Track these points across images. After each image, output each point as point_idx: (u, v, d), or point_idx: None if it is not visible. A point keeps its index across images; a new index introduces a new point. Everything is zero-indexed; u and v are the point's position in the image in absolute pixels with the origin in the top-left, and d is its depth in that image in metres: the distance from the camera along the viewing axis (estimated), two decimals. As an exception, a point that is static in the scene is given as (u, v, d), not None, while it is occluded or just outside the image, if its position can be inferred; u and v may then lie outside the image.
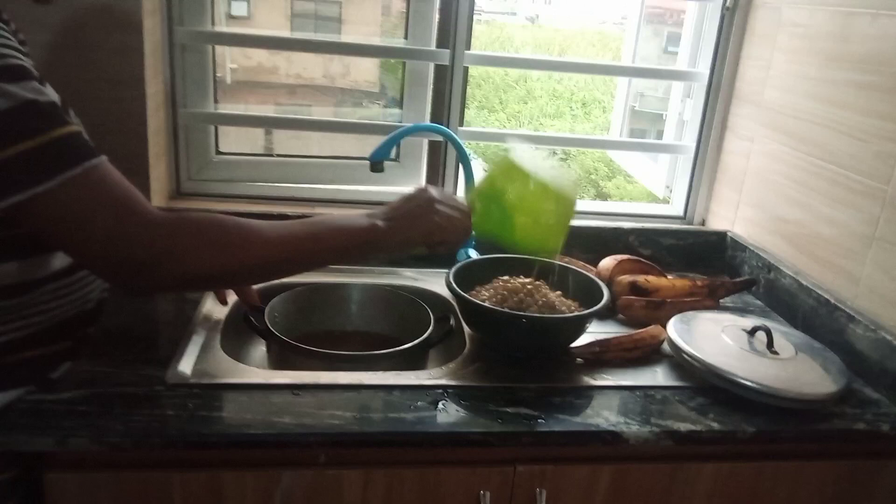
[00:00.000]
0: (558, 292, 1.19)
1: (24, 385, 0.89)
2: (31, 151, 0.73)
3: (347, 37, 1.71)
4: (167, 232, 0.79)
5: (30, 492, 0.88)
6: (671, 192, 1.72)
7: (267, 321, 1.11)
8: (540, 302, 1.13)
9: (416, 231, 0.96)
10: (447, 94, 1.50)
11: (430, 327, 1.15)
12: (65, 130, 0.76)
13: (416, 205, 0.97)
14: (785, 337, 1.15)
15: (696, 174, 1.64)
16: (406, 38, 1.55)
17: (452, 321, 1.17)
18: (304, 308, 1.25)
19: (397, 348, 1.08)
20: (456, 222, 0.98)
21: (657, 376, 1.10)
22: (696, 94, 1.64)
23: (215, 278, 0.89)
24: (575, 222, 1.54)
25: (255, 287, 1.17)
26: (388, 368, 1.05)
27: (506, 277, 1.21)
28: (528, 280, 1.19)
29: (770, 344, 1.10)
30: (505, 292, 1.15)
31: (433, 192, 0.99)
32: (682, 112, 1.69)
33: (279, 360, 1.11)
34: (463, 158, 1.38)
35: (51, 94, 0.79)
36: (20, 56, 0.76)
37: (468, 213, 1.01)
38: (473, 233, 1.02)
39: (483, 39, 7.92)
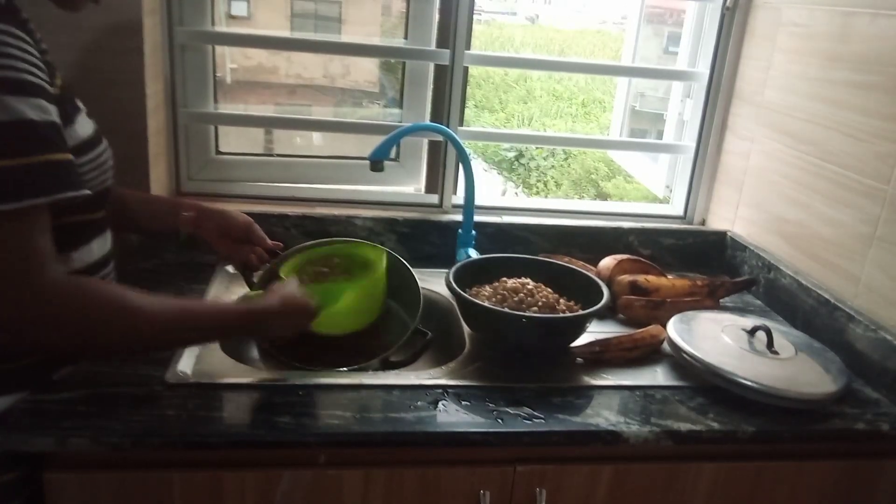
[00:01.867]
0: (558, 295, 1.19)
1: (24, 389, 0.88)
2: (9, 170, 0.72)
3: (347, 37, 1.71)
4: (52, 298, 0.75)
5: (32, 493, 0.88)
6: (671, 192, 1.72)
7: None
8: (540, 302, 1.13)
9: (279, 332, 1.00)
10: (447, 94, 1.50)
11: (404, 337, 1.14)
12: (52, 157, 0.75)
13: (286, 316, 0.97)
14: (785, 337, 1.15)
15: (696, 174, 1.64)
16: (406, 38, 1.55)
17: (430, 335, 1.17)
18: None
19: (365, 363, 1.09)
20: (304, 324, 1.01)
21: (657, 376, 1.10)
22: (696, 94, 1.64)
23: (85, 348, 0.88)
24: (575, 222, 1.56)
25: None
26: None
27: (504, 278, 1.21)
28: (527, 280, 1.19)
29: (770, 344, 1.10)
30: (505, 292, 1.15)
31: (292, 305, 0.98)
32: (682, 112, 1.69)
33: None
34: (463, 158, 1.38)
35: (53, 113, 0.78)
36: (35, 72, 0.76)
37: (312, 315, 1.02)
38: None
39: (483, 39, 7.92)
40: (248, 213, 1.19)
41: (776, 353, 1.09)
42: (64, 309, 0.75)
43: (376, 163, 1.29)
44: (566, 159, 6.95)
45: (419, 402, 0.96)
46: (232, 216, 1.16)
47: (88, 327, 0.77)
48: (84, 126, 0.90)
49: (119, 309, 0.79)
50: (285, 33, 1.65)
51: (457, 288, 1.12)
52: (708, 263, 1.57)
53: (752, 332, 1.14)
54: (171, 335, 0.86)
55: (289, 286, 0.99)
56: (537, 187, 6.76)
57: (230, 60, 1.64)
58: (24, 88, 0.74)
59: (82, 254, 0.92)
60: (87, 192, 0.80)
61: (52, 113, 0.77)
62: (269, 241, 1.18)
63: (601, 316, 1.22)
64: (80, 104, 0.93)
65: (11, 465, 0.86)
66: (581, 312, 1.13)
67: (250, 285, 1.18)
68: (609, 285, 1.23)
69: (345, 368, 1.07)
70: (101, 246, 0.97)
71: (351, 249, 1.24)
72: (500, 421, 0.93)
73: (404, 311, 1.23)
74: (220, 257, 1.18)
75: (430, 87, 1.55)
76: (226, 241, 1.15)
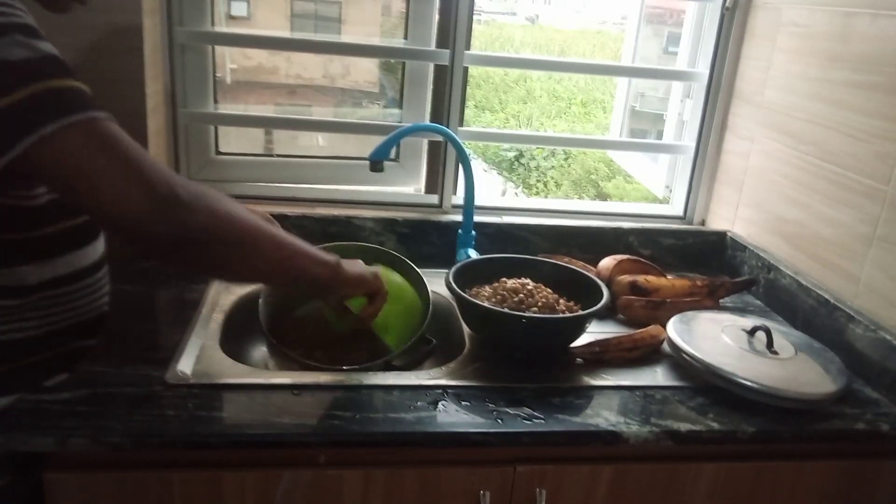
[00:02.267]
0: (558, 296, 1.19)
1: (18, 391, 0.88)
2: (44, 94, 0.73)
3: (347, 37, 1.71)
4: (179, 189, 0.76)
5: (31, 497, 0.88)
6: (671, 192, 1.72)
7: (260, 309, 1.12)
8: (540, 302, 1.13)
9: (357, 282, 1.01)
10: (447, 94, 1.50)
11: (408, 343, 1.13)
12: (79, 84, 0.77)
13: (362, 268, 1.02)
14: (785, 337, 1.15)
15: (695, 174, 1.64)
16: (406, 38, 1.55)
17: (434, 342, 1.17)
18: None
19: (364, 364, 1.09)
20: (378, 288, 1.05)
21: (657, 376, 1.10)
22: (695, 94, 1.64)
23: (208, 244, 0.82)
24: (575, 222, 1.56)
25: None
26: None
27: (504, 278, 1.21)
28: (527, 280, 1.19)
29: (770, 344, 1.10)
30: (505, 292, 1.15)
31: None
32: (682, 112, 1.69)
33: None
34: (463, 158, 1.38)
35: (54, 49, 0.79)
36: (30, 19, 0.77)
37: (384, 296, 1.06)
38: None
39: (483, 39, 7.93)
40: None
41: (776, 353, 1.09)
42: (194, 199, 0.76)
43: (376, 163, 1.29)
44: (566, 159, 6.95)
45: (419, 403, 0.96)
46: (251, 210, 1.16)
47: (214, 222, 0.78)
48: None
49: (245, 220, 0.81)
50: (285, 33, 1.65)
51: (457, 288, 1.12)
52: (708, 263, 1.57)
53: (751, 332, 1.14)
54: (276, 257, 0.86)
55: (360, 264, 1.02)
56: (537, 187, 6.76)
57: (230, 60, 1.64)
58: (35, 32, 0.75)
59: (76, 258, 0.92)
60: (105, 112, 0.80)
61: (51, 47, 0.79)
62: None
63: (601, 316, 1.22)
64: None
65: (9, 467, 0.86)
66: (581, 313, 1.13)
67: None
68: (609, 285, 1.23)
69: (346, 367, 1.07)
70: (94, 249, 0.96)
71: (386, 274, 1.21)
72: (500, 421, 0.93)
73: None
74: None
75: (430, 87, 1.55)
76: None
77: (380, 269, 1.09)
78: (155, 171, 0.75)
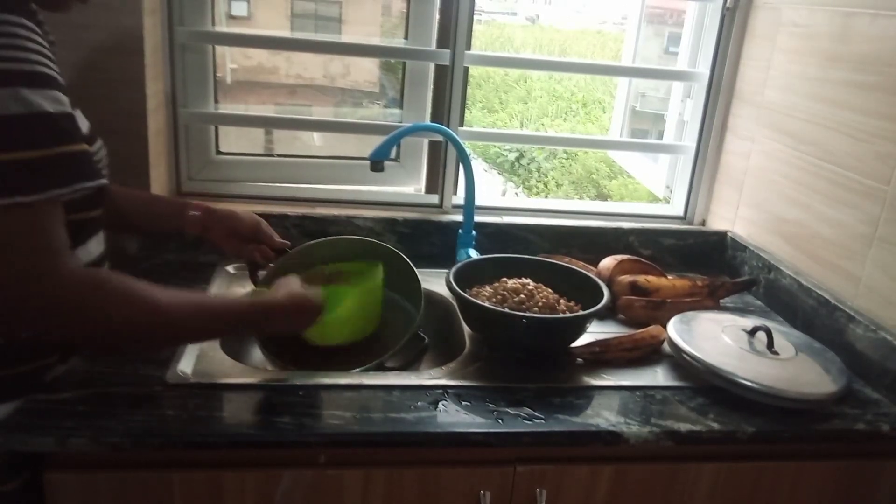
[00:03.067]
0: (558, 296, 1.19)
1: (20, 396, 0.88)
2: (30, 161, 0.72)
3: (347, 37, 1.71)
4: (72, 287, 0.74)
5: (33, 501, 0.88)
6: (671, 192, 1.72)
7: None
8: (540, 303, 1.13)
9: (286, 327, 1.00)
10: (447, 94, 1.50)
11: (400, 343, 1.12)
12: (68, 149, 0.76)
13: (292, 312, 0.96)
14: (785, 337, 1.15)
15: (696, 174, 1.64)
16: (406, 38, 1.55)
17: (427, 340, 1.17)
18: None
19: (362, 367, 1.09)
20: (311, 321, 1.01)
21: (657, 376, 1.10)
22: (696, 94, 1.64)
23: (103, 340, 0.83)
24: (575, 222, 1.55)
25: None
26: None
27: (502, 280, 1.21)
28: (528, 280, 1.19)
29: (770, 344, 1.10)
30: (505, 292, 1.15)
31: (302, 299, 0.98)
32: (683, 112, 1.69)
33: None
34: (463, 158, 1.38)
35: (67, 103, 0.78)
36: (48, 63, 0.76)
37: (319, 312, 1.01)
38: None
39: (483, 39, 7.93)
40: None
41: (776, 353, 1.09)
42: (83, 300, 0.75)
43: (376, 163, 1.29)
44: (567, 160, 6.95)
45: (419, 403, 0.96)
46: (239, 217, 1.15)
47: (106, 319, 0.76)
48: (83, 121, 0.90)
49: (137, 301, 0.78)
50: (285, 33, 1.65)
51: (457, 288, 1.12)
52: (708, 264, 1.57)
53: (752, 332, 1.14)
54: (184, 329, 0.86)
55: (293, 282, 0.98)
56: (538, 188, 6.77)
57: (230, 60, 1.64)
58: (39, 80, 0.74)
59: (80, 253, 0.92)
60: (105, 181, 0.80)
61: (67, 104, 0.78)
62: (278, 240, 1.18)
63: (601, 316, 1.22)
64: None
65: (12, 473, 0.87)
66: (581, 313, 1.13)
67: (255, 283, 1.18)
68: (609, 286, 1.23)
69: (339, 373, 1.07)
70: (97, 245, 0.97)
71: (345, 267, 1.23)
72: (500, 421, 0.93)
73: (405, 311, 1.23)
74: (226, 255, 1.18)
75: (431, 87, 1.55)
76: (233, 241, 1.15)
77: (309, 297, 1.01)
78: (39, 279, 0.73)
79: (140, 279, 0.81)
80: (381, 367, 1.09)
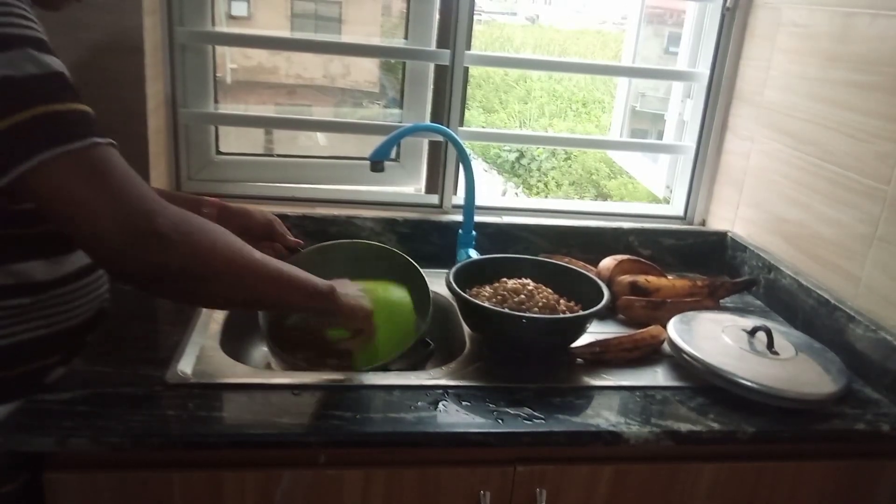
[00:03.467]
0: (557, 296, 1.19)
1: (20, 397, 0.88)
2: (45, 117, 0.73)
3: (347, 37, 1.71)
4: (164, 220, 0.76)
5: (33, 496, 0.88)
6: (671, 192, 1.72)
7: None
8: (540, 303, 1.13)
9: (350, 310, 0.99)
10: (447, 94, 1.50)
11: (405, 347, 1.11)
12: (82, 107, 0.77)
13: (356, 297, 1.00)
14: (785, 337, 1.15)
15: (696, 174, 1.64)
16: (406, 38, 1.55)
17: (432, 346, 1.16)
18: None
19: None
20: (367, 316, 1.02)
21: (657, 376, 1.10)
22: (696, 94, 1.64)
23: (189, 278, 0.82)
24: (575, 222, 1.56)
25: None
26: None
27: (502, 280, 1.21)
28: (528, 280, 1.19)
29: (770, 344, 1.10)
30: (505, 292, 1.15)
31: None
32: (683, 112, 1.69)
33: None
34: (463, 158, 1.38)
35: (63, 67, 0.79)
36: (43, 33, 0.77)
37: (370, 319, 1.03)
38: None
39: (483, 39, 7.93)
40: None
41: (776, 353, 1.09)
42: (175, 232, 0.76)
43: (376, 163, 1.29)
44: (567, 160, 6.95)
45: (419, 403, 0.96)
46: (252, 215, 1.15)
47: (194, 256, 0.78)
48: None
49: (236, 246, 0.81)
50: (285, 33, 1.65)
51: (457, 288, 1.12)
52: (708, 264, 1.57)
53: (752, 332, 1.14)
54: (268, 286, 0.86)
55: (360, 293, 1.01)
56: (538, 188, 6.77)
57: (230, 60, 1.64)
58: (45, 46, 0.76)
59: (77, 254, 0.92)
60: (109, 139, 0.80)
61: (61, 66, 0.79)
62: (291, 238, 1.18)
63: (601, 316, 1.22)
64: None
65: (12, 474, 0.87)
66: (581, 313, 1.13)
67: None
68: (609, 286, 1.23)
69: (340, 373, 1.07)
70: None
71: (371, 286, 1.16)
72: (500, 421, 0.93)
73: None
74: None
75: (431, 87, 1.55)
76: (245, 239, 1.14)
77: (370, 307, 1.03)
78: (140, 203, 0.75)
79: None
80: (386, 370, 1.09)
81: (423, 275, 1.20)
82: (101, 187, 0.74)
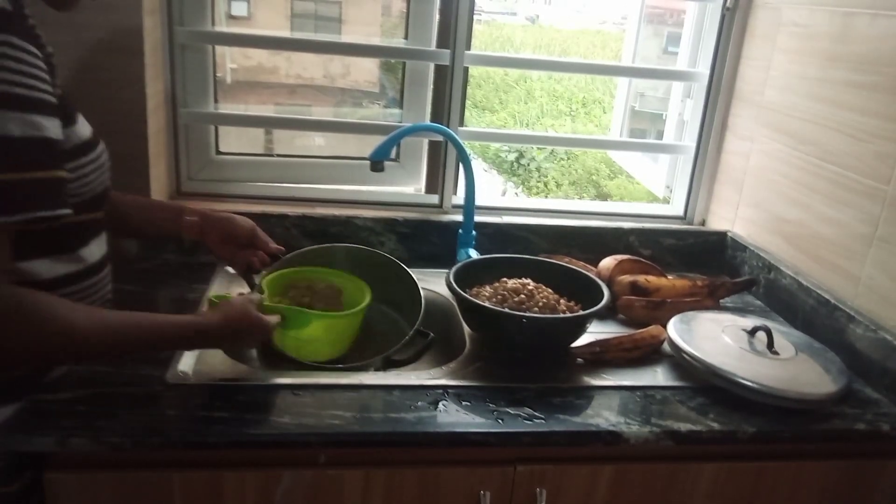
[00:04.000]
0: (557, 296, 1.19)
1: (20, 399, 0.88)
2: None
3: (347, 37, 1.71)
4: None
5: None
6: (671, 192, 1.72)
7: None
8: (541, 303, 1.13)
9: (231, 346, 1.01)
10: (447, 94, 1.50)
11: (405, 338, 1.13)
12: (8, 177, 0.73)
13: (235, 333, 0.94)
14: (785, 337, 1.15)
15: (696, 174, 1.64)
16: (406, 38, 1.55)
17: (431, 335, 1.17)
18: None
19: (363, 362, 1.10)
20: (260, 340, 1.00)
21: (657, 376, 1.10)
22: (696, 94, 1.64)
23: (20, 358, 0.82)
24: (575, 222, 1.55)
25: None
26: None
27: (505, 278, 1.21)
28: (528, 280, 1.19)
29: (770, 344, 1.10)
30: (505, 292, 1.15)
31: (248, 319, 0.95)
32: (683, 112, 1.69)
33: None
34: (463, 158, 1.38)
35: (47, 128, 0.77)
36: (33, 84, 0.75)
37: (271, 331, 0.99)
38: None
39: (483, 39, 7.93)
40: (248, 214, 1.20)
41: (776, 353, 1.09)
42: (3, 320, 0.74)
43: (376, 163, 1.29)
44: (566, 160, 6.95)
45: (419, 402, 0.96)
46: (236, 222, 1.14)
47: (23, 338, 0.76)
48: (84, 126, 0.90)
49: (53, 322, 0.77)
50: (285, 33, 1.65)
51: (457, 288, 1.12)
52: (708, 263, 1.57)
53: (752, 332, 1.14)
54: (104, 347, 0.83)
55: (237, 302, 0.94)
56: (537, 188, 6.77)
57: (230, 60, 1.64)
58: (12, 103, 0.73)
59: (83, 253, 0.93)
60: (66, 211, 0.78)
61: (45, 128, 0.76)
62: (273, 245, 1.18)
63: (601, 316, 1.22)
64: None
65: (14, 474, 0.87)
66: (581, 313, 1.13)
67: (251, 286, 1.18)
68: (609, 286, 1.23)
69: (341, 367, 1.07)
70: (99, 247, 0.97)
71: (336, 279, 1.21)
72: (500, 421, 0.93)
73: (405, 315, 1.23)
74: (222, 260, 1.18)
75: (431, 87, 1.55)
76: (228, 247, 1.15)
77: (257, 299, 1.00)
78: None
79: (65, 300, 0.81)
80: (389, 360, 1.11)
81: (407, 270, 1.20)
82: None
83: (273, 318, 0.97)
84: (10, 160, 0.73)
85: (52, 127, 0.77)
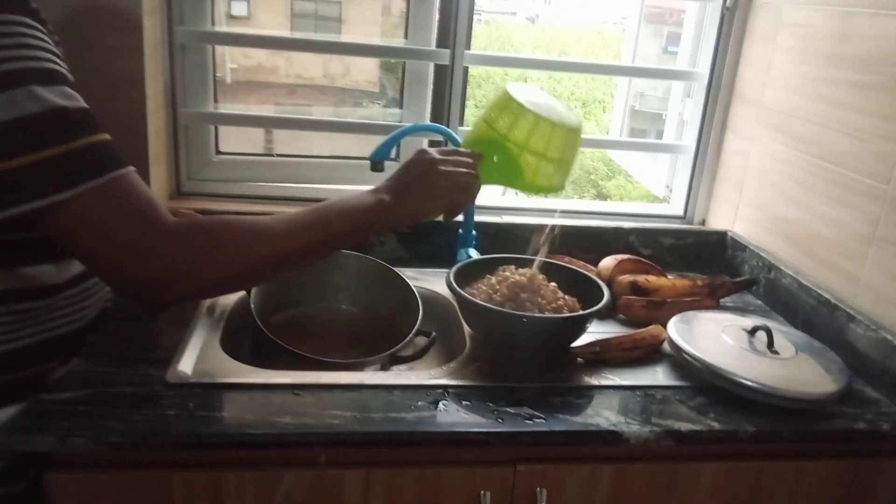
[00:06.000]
0: (554, 283, 1.18)
1: (22, 400, 0.88)
2: (56, 158, 0.72)
3: (347, 37, 1.71)
4: (181, 244, 0.77)
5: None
6: (671, 191, 1.72)
7: (252, 306, 1.11)
8: (541, 302, 1.13)
9: (424, 200, 0.92)
10: (447, 94, 1.50)
11: (408, 337, 1.14)
12: (93, 139, 0.75)
13: (420, 172, 0.92)
14: (785, 337, 1.15)
15: (696, 174, 1.64)
16: (406, 38, 1.55)
17: (433, 334, 1.17)
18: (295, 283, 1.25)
19: (367, 358, 1.10)
20: (462, 181, 0.93)
21: (657, 376, 1.10)
22: (696, 93, 1.64)
23: (231, 283, 0.86)
24: (575, 222, 1.55)
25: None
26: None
27: (503, 268, 1.20)
28: (528, 272, 1.18)
29: (770, 344, 1.10)
30: (506, 290, 1.15)
31: (434, 154, 0.94)
32: (682, 112, 1.69)
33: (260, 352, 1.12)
34: (463, 158, 1.38)
35: (80, 98, 0.78)
36: (56, 60, 0.76)
37: (474, 165, 0.95)
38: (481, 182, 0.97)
39: (483, 39, 7.92)
40: (249, 214, 1.19)
41: (776, 352, 1.09)
42: (188, 246, 0.77)
43: (377, 163, 1.29)
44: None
45: (420, 402, 0.96)
46: None
47: (217, 256, 0.78)
48: None
49: (247, 233, 0.81)
50: (285, 33, 1.65)
51: (457, 288, 1.12)
52: (708, 263, 1.57)
53: (752, 331, 1.14)
54: (304, 242, 0.85)
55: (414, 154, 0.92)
56: (537, 187, 6.76)
57: (230, 60, 1.64)
58: (50, 77, 0.74)
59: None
60: (133, 168, 0.79)
61: (80, 99, 0.77)
62: None
63: (601, 316, 1.22)
64: None
65: (17, 475, 0.87)
66: (581, 313, 1.13)
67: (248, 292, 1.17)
68: (609, 285, 1.23)
69: (345, 361, 1.07)
70: None
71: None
72: (500, 421, 0.93)
73: (405, 318, 1.23)
74: None
75: (431, 86, 1.55)
76: None
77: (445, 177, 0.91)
78: (161, 225, 0.76)
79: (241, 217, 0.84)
80: (394, 356, 1.11)
81: (397, 272, 1.21)
82: (127, 221, 0.74)
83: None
84: (69, 129, 0.74)
85: (80, 98, 0.78)
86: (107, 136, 0.77)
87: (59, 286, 0.89)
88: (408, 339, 1.13)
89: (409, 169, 0.94)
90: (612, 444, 0.94)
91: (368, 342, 1.19)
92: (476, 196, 0.97)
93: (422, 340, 1.18)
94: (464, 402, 0.97)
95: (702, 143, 1.61)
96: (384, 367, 1.12)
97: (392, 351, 1.10)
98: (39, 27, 0.76)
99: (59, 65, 0.76)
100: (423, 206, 0.92)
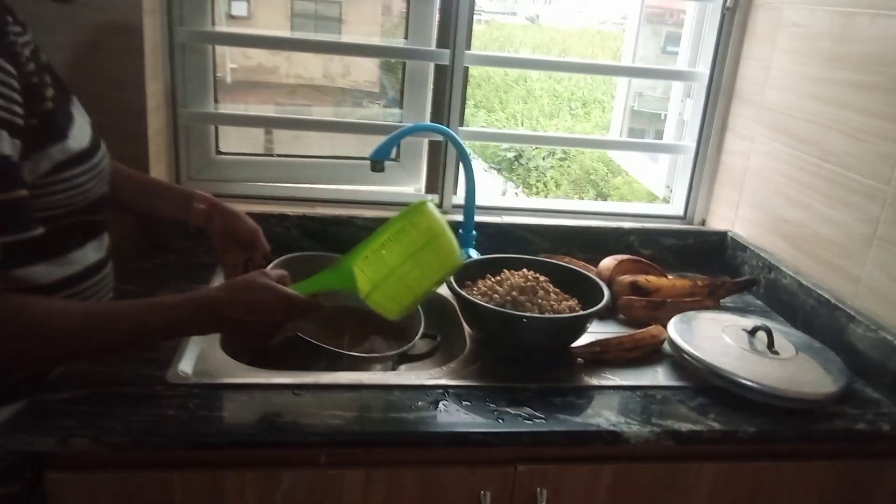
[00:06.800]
0: (554, 286, 1.19)
1: (20, 400, 0.88)
2: None
3: (347, 37, 1.71)
4: None
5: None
6: (671, 192, 1.72)
7: None
8: (541, 302, 1.13)
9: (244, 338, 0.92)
10: (447, 94, 1.50)
11: (417, 335, 1.14)
12: None
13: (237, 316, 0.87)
14: (785, 337, 1.15)
15: (696, 174, 1.64)
16: (406, 38, 1.55)
17: (439, 338, 1.17)
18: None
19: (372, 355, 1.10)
20: (260, 331, 0.90)
21: (658, 376, 1.10)
22: (696, 94, 1.64)
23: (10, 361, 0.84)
24: (575, 222, 1.56)
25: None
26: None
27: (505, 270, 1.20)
28: (529, 275, 1.18)
29: (770, 344, 1.10)
30: (506, 291, 1.15)
31: (252, 296, 0.87)
32: (682, 112, 1.69)
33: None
34: (463, 158, 1.38)
35: (6, 148, 0.74)
36: None
37: (287, 314, 0.90)
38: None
39: (483, 39, 7.93)
40: (249, 213, 1.19)
41: (776, 353, 1.09)
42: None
43: (377, 163, 1.29)
44: (564, 160, 6.95)
45: (420, 402, 0.96)
46: (241, 219, 1.13)
47: (24, 342, 0.78)
48: (79, 137, 0.88)
49: (52, 322, 0.79)
50: (285, 33, 1.65)
51: (457, 288, 1.12)
52: (708, 263, 1.57)
53: (752, 332, 1.14)
54: (93, 340, 0.83)
55: (249, 274, 0.88)
56: (537, 187, 6.77)
57: (230, 60, 1.64)
58: None
59: (78, 255, 0.92)
60: (37, 232, 0.78)
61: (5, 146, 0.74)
62: (267, 250, 1.17)
63: (602, 316, 1.22)
64: (75, 110, 0.91)
65: (15, 474, 0.87)
66: (582, 313, 1.13)
67: None
68: (609, 285, 1.23)
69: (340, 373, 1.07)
70: (96, 249, 0.96)
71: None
72: (500, 421, 0.93)
73: (405, 320, 1.23)
74: (215, 253, 1.17)
75: (431, 87, 1.55)
76: (226, 241, 1.14)
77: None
78: None
79: (57, 299, 0.83)
80: (403, 356, 1.12)
81: None
82: None
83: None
84: None
85: (10, 146, 0.74)
86: (14, 194, 0.74)
87: (54, 286, 0.89)
88: (416, 339, 1.13)
89: (226, 297, 0.87)
90: (613, 444, 0.94)
91: (375, 341, 1.19)
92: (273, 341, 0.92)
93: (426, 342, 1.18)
94: (464, 403, 0.97)
95: (702, 144, 1.61)
96: (393, 367, 1.12)
97: (404, 349, 1.11)
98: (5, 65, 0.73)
99: None
100: (243, 331, 0.90)
